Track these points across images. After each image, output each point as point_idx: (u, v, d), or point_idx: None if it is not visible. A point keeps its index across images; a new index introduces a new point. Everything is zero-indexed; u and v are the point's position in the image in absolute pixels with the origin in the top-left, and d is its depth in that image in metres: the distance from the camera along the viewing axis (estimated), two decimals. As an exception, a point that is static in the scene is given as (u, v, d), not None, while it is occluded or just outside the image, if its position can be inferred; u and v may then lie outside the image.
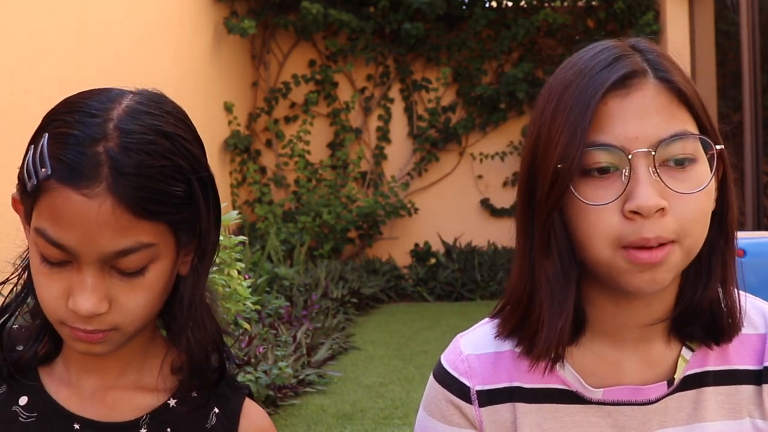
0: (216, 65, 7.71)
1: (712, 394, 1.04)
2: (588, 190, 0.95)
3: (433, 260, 8.53)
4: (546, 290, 0.99)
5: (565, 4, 8.60)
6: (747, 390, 1.04)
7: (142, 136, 0.90)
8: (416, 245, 8.72)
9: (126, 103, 0.92)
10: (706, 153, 0.97)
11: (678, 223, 0.93)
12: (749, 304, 1.08)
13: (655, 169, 0.93)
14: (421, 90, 8.85)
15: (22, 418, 0.99)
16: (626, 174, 0.93)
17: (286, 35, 8.82)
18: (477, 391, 1.07)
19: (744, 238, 3.68)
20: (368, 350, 5.71)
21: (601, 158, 0.94)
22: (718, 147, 0.97)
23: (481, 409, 1.07)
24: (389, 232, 8.72)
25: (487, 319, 1.12)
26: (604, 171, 0.95)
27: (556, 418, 1.05)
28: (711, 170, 0.96)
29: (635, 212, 0.92)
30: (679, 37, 7.73)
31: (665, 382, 1.03)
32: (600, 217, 0.94)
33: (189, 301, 0.97)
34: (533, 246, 1.01)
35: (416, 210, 8.70)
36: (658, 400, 1.03)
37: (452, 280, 8.15)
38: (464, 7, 8.57)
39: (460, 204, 8.83)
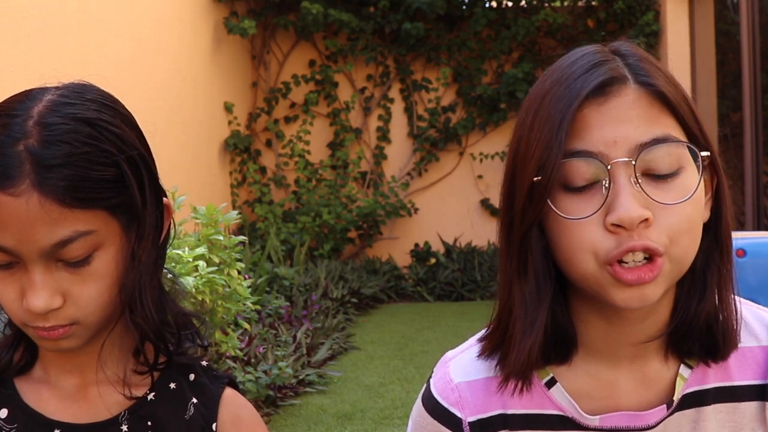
0: (216, 65, 7.71)
1: (712, 412, 0.99)
2: (568, 204, 0.91)
3: (433, 260, 8.52)
4: (519, 310, 0.96)
5: (565, 4, 8.60)
6: (749, 407, 1.00)
7: (62, 126, 0.90)
8: (416, 245, 8.72)
9: (47, 98, 0.92)
10: (694, 159, 0.92)
11: (665, 234, 0.89)
12: (751, 313, 1.03)
13: (637, 180, 0.88)
14: (421, 90, 8.85)
15: (5, 430, 0.99)
16: (606, 185, 0.89)
17: (286, 35, 8.82)
18: (469, 422, 1.03)
19: (744, 238, 3.67)
20: (368, 350, 5.71)
21: (580, 172, 0.90)
22: (704, 153, 0.92)
23: None
24: (389, 232, 8.72)
25: (475, 339, 1.08)
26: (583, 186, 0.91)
27: None
28: (699, 177, 0.91)
29: (617, 225, 0.88)
30: (679, 37, 7.73)
31: (664, 405, 0.99)
32: (581, 231, 0.90)
33: (130, 286, 0.95)
34: (510, 264, 0.97)
35: (416, 210, 8.70)
36: (657, 424, 0.99)
37: (452, 280, 8.15)
38: (464, 7, 8.56)
39: (460, 204, 8.83)
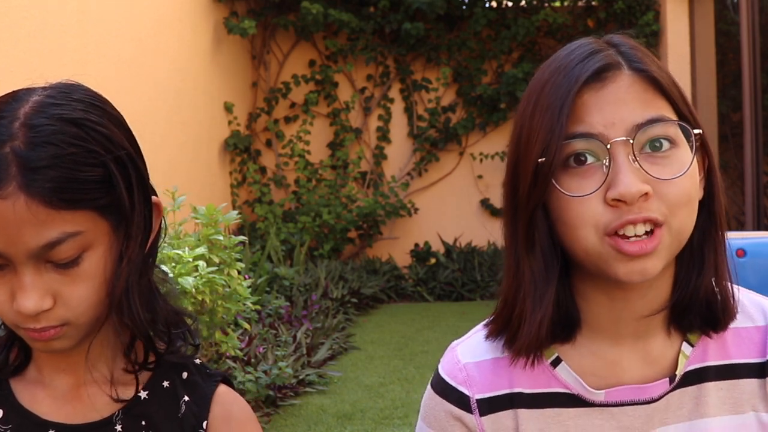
0: (216, 65, 7.71)
1: (713, 389, 1.03)
2: (570, 183, 0.96)
3: (433, 260, 8.52)
4: (529, 286, 1.01)
5: (566, 3, 8.60)
6: (749, 384, 1.04)
7: (48, 127, 0.89)
8: (416, 245, 8.72)
9: (33, 99, 0.92)
10: (686, 138, 0.98)
11: (663, 206, 0.94)
12: (746, 297, 1.08)
13: (635, 157, 0.94)
14: (421, 90, 8.85)
15: (0, 431, 0.99)
16: (606, 164, 0.95)
17: (286, 35, 8.82)
18: (477, 400, 1.06)
19: (744, 238, 3.67)
20: (368, 350, 5.71)
21: (579, 146, 0.96)
22: (696, 131, 0.98)
23: (482, 417, 1.06)
24: (389, 232, 8.72)
25: (481, 325, 1.12)
26: (583, 161, 0.96)
27: (560, 423, 1.04)
28: (692, 154, 0.97)
29: (618, 200, 0.93)
30: (679, 37, 7.73)
31: (667, 379, 1.03)
32: (584, 207, 0.95)
33: (118, 286, 0.95)
34: (518, 244, 1.02)
35: (416, 210, 8.70)
36: (660, 397, 1.03)
37: (452, 280, 8.15)
38: (464, 7, 8.57)
39: (460, 204, 8.83)
